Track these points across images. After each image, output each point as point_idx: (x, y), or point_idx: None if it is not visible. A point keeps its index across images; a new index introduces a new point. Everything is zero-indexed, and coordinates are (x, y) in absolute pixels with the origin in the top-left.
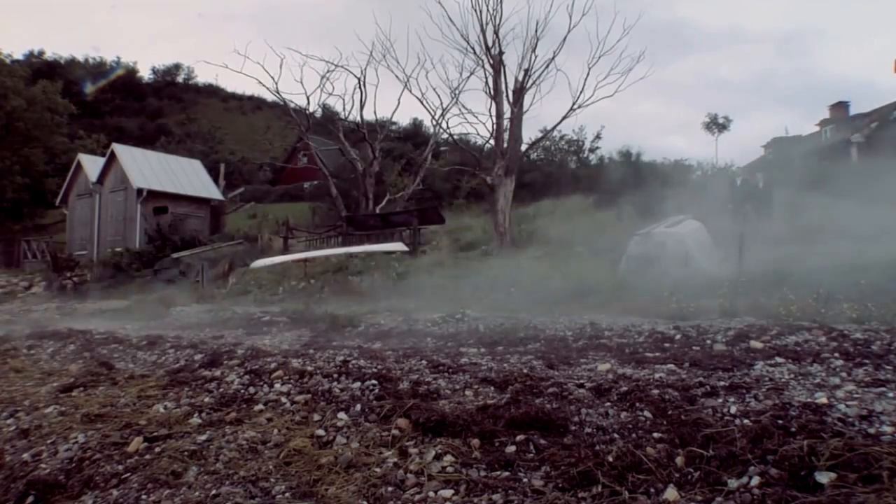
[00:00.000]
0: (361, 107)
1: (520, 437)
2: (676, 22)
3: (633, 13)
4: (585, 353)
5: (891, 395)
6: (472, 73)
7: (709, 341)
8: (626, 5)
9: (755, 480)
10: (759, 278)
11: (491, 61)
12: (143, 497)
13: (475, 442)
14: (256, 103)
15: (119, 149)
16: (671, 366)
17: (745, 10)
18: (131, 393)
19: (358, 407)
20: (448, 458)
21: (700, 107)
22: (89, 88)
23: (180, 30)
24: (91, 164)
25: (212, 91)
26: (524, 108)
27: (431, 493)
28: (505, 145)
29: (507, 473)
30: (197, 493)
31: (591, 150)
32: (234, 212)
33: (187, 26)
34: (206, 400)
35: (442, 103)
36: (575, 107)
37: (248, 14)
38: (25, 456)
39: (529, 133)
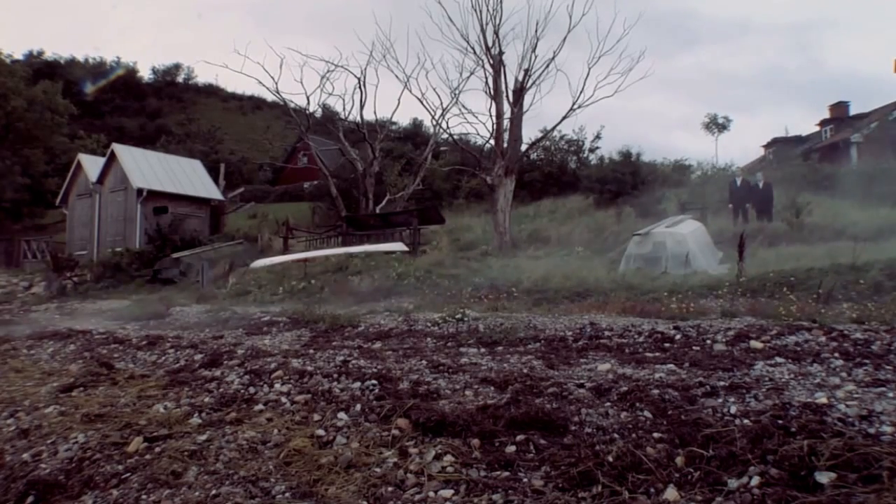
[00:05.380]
0: (361, 107)
1: (520, 437)
2: (682, 12)
3: (634, 10)
4: (585, 353)
5: (891, 395)
6: (472, 73)
7: (709, 341)
8: (627, 3)
9: (755, 480)
10: (758, 278)
11: (491, 61)
12: (143, 497)
13: (475, 442)
14: (256, 103)
15: (119, 149)
16: (671, 366)
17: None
18: (131, 393)
19: (358, 407)
20: (448, 458)
21: (703, 102)
22: (89, 88)
23: (180, 30)
24: (91, 164)
25: (212, 91)
26: (524, 108)
27: (431, 493)
28: (505, 145)
29: (507, 473)
30: (197, 493)
31: (591, 150)
32: (234, 212)
33: (187, 26)
34: (206, 400)
35: (442, 103)
36: (575, 107)
37: (247, 14)
38: (25, 456)
39: (529, 133)
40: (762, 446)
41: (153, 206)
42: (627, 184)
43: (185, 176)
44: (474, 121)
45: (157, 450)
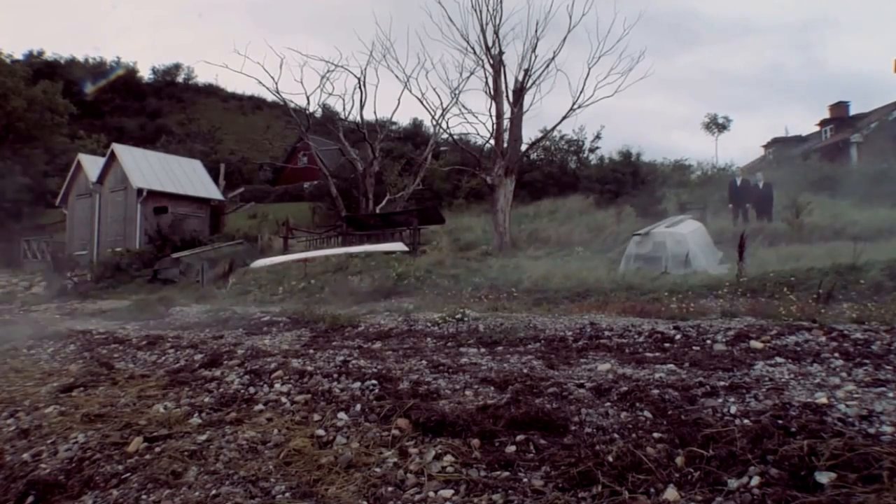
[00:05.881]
0: (361, 107)
1: (520, 437)
2: (682, 12)
3: (634, 10)
4: (585, 353)
5: (891, 395)
6: (472, 73)
7: (709, 341)
8: (627, 3)
9: (755, 480)
10: (758, 278)
11: (491, 61)
12: (143, 497)
13: (475, 442)
14: (256, 103)
15: (119, 149)
16: (671, 366)
17: None
18: (131, 393)
19: (358, 407)
20: (448, 458)
21: (703, 102)
22: (89, 88)
23: (180, 30)
24: (91, 164)
25: (212, 91)
26: (524, 108)
27: (431, 493)
28: (505, 145)
29: (507, 473)
30: (197, 493)
31: (591, 150)
32: (234, 212)
33: (187, 26)
34: (206, 400)
35: (442, 103)
36: (575, 107)
37: (247, 13)
38: (25, 456)
39: (529, 133)
40: (762, 446)
41: (153, 206)
42: (627, 184)
43: (185, 176)
44: (474, 121)
45: (157, 450)
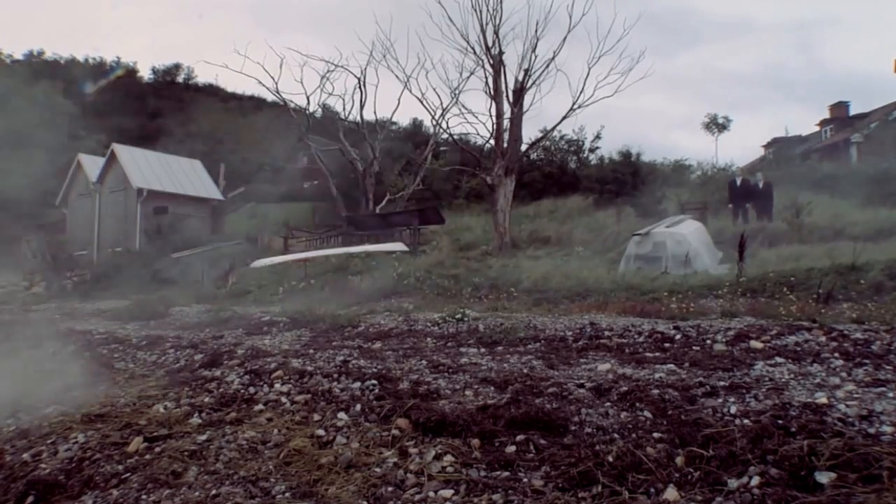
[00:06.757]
0: (361, 107)
1: (520, 437)
2: (682, 11)
3: (634, 10)
4: (585, 353)
5: (891, 395)
6: (472, 73)
7: (709, 341)
8: (627, 3)
9: (755, 480)
10: (758, 278)
11: (491, 61)
12: (143, 497)
13: (475, 442)
14: (256, 103)
15: (119, 149)
16: (671, 366)
17: None
18: (131, 393)
19: (358, 407)
20: (448, 458)
21: (703, 101)
22: (89, 88)
23: (180, 29)
24: (91, 164)
25: (212, 91)
26: (524, 108)
27: (431, 493)
28: (505, 145)
29: (507, 473)
30: (197, 493)
31: (591, 150)
32: (234, 212)
33: (187, 26)
34: (206, 400)
35: (442, 103)
36: (575, 107)
37: (247, 13)
38: (25, 456)
39: (529, 133)
40: (762, 446)
41: (153, 206)
42: (627, 184)
43: (185, 176)
44: (474, 121)
45: (157, 450)
